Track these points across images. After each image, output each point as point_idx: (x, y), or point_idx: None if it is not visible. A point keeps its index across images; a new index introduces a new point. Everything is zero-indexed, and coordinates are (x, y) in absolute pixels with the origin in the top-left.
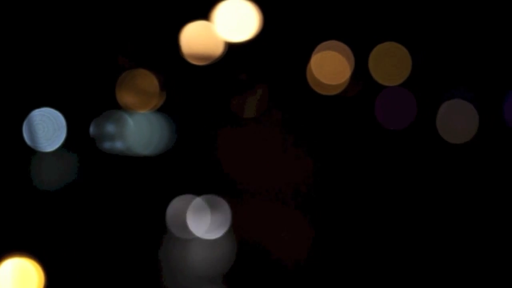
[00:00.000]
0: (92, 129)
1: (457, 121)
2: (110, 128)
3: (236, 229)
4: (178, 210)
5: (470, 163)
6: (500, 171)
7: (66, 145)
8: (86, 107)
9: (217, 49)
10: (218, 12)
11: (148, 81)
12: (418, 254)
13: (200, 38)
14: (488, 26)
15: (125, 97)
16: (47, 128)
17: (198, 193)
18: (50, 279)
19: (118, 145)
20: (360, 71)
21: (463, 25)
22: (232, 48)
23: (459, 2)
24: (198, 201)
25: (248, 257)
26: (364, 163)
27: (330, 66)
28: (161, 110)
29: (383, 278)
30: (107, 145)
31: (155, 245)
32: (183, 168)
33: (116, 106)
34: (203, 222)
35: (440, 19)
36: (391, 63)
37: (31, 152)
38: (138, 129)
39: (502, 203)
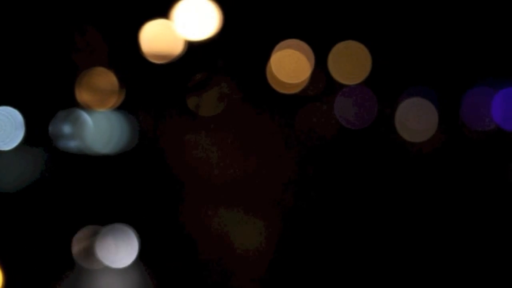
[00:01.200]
0: (51, 128)
1: (416, 119)
2: (69, 126)
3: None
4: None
5: (428, 161)
6: (458, 168)
7: (25, 143)
8: (45, 105)
9: (177, 48)
10: (178, 10)
11: (107, 79)
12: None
13: (159, 37)
14: (446, 26)
15: (84, 95)
16: (5, 127)
17: (147, 198)
18: (9, 279)
19: (77, 144)
20: (320, 70)
21: (422, 25)
22: (191, 47)
23: (418, 1)
24: (104, 231)
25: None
26: (323, 162)
27: (290, 65)
28: (120, 108)
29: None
30: (66, 144)
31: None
32: (139, 168)
33: (75, 104)
34: (111, 251)
35: (399, 18)
36: (351, 62)
37: None
38: (97, 128)
39: (460, 200)
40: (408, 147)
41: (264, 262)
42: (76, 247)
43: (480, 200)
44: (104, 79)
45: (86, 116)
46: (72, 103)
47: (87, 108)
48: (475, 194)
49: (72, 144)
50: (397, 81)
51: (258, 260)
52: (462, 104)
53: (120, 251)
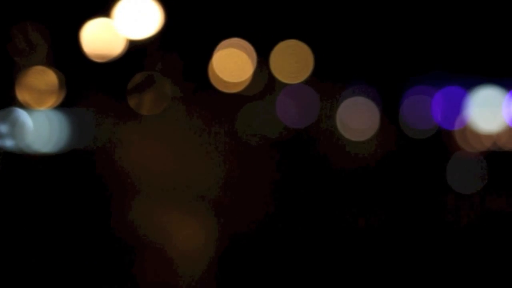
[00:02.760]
0: None
1: (358, 119)
2: (8, 125)
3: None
4: None
5: (370, 159)
6: (398, 167)
7: None
8: None
9: (118, 47)
10: (119, 9)
11: (46, 78)
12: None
13: (100, 36)
14: (387, 26)
15: (23, 94)
16: None
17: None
18: None
19: (17, 143)
20: (262, 69)
21: (363, 24)
22: (133, 46)
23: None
24: None
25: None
26: (266, 160)
27: (232, 64)
28: (60, 107)
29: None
30: (5, 143)
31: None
32: (80, 166)
33: (14, 103)
34: None
35: (340, 18)
36: (292, 61)
37: None
38: (37, 127)
39: (399, 198)
40: (349, 146)
41: (203, 263)
42: None
43: (418, 198)
44: (44, 78)
45: (25, 115)
46: (12, 102)
47: (26, 107)
48: (414, 192)
49: (12, 143)
50: (339, 80)
51: (196, 260)
52: (403, 103)
53: None
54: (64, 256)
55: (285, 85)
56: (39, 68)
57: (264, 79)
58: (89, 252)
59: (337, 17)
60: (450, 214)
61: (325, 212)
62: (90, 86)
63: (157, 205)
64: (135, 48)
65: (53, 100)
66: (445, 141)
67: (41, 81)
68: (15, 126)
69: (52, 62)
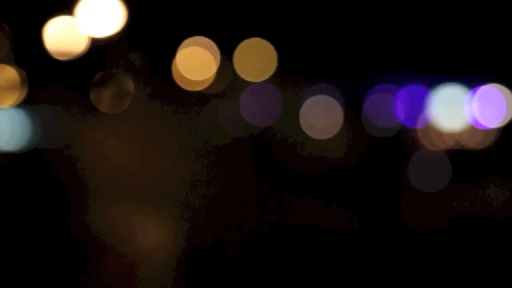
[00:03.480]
0: None
1: (321, 116)
2: None
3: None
4: None
5: (333, 157)
6: (361, 165)
7: None
8: None
9: (80, 45)
10: (81, 7)
11: (8, 76)
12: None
13: (63, 34)
14: (349, 23)
15: None
16: None
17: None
18: None
19: None
20: (226, 67)
21: (326, 22)
22: (96, 44)
23: None
24: None
25: None
26: (229, 159)
27: (195, 62)
28: (22, 105)
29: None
30: None
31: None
32: (42, 165)
33: None
34: None
35: (304, 16)
36: (256, 59)
37: None
38: None
39: (363, 196)
40: (312, 144)
41: (167, 263)
42: None
43: (380, 197)
44: (6, 76)
45: None
46: None
47: None
48: (376, 190)
49: None
50: (302, 78)
51: (160, 261)
52: (366, 102)
53: None
54: (22, 256)
55: (248, 83)
56: (1, 66)
57: (227, 77)
58: (49, 252)
59: (300, 16)
60: (412, 212)
61: (289, 210)
62: (53, 84)
63: (119, 205)
64: (97, 46)
65: (15, 98)
66: (408, 139)
67: (2, 79)
68: None
69: (14, 60)
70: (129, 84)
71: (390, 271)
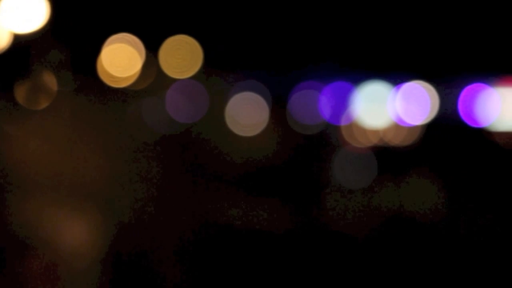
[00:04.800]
0: None
1: (247, 113)
2: None
3: None
4: None
5: (259, 154)
6: (288, 161)
7: None
8: None
9: (2, 40)
10: (3, 2)
11: None
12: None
13: None
14: (274, 20)
15: None
16: None
17: None
18: None
19: None
20: (151, 63)
21: (252, 19)
22: (19, 39)
23: None
24: None
25: None
26: (155, 156)
27: (120, 59)
28: None
29: None
30: None
31: None
32: None
33: None
34: None
35: (229, 13)
36: (182, 56)
37: None
38: None
39: (288, 193)
40: (238, 141)
41: (89, 261)
42: None
43: (305, 194)
44: None
45: None
46: None
47: None
48: (301, 187)
49: None
50: (228, 75)
51: (82, 259)
52: (291, 98)
53: None
54: None
55: (174, 80)
56: None
57: (153, 74)
58: None
59: (226, 13)
60: (336, 209)
61: (215, 208)
62: None
63: (43, 204)
64: (21, 42)
65: None
66: (333, 136)
67: None
68: None
69: None
70: (53, 80)
71: (317, 269)
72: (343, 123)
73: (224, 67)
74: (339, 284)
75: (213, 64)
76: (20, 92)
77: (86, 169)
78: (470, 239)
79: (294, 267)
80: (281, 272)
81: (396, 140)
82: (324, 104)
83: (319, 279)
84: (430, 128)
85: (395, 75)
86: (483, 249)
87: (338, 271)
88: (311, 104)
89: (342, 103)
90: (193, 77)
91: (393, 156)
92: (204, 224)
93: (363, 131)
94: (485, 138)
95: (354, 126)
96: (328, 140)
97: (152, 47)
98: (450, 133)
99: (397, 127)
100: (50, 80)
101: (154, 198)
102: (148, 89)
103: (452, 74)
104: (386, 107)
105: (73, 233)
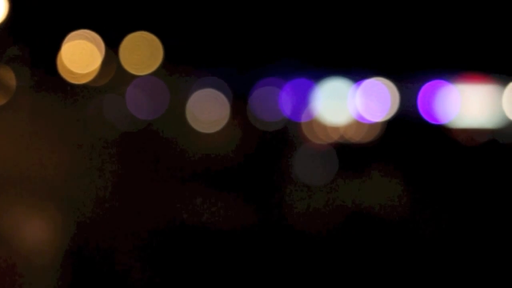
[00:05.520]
0: None
1: (208, 110)
2: None
3: None
4: None
5: (219, 151)
6: (248, 158)
7: None
8: None
9: None
10: None
11: None
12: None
13: None
14: (235, 17)
15: None
16: None
17: None
18: None
19: None
20: (112, 60)
21: (212, 16)
22: None
23: None
24: None
25: None
26: (116, 153)
27: (80, 55)
28: None
29: None
30: None
31: None
32: None
33: None
34: None
35: (190, 10)
36: (142, 53)
37: None
38: None
39: (250, 190)
40: (199, 138)
41: (51, 259)
42: None
43: (266, 191)
44: None
45: None
46: None
47: None
48: (262, 184)
49: None
50: (189, 72)
51: (43, 257)
52: (252, 95)
53: None
54: None
55: (135, 76)
56: None
57: (112, 71)
58: None
59: (186, 9)
60: (297, 205)
61: (176, 204)
62: None
63: (1, 200)
64: None
65: None
66: (294, 133)
67: None
68: None
69: None
70: (12, 77)
71: (279, 266)
72: (303, 119)
73: (185, 64)
74: (301, 280)
75: (174, 61)
76: None
77: (45, 165)
78: (429, 235)
79: (256, 264)
80: (242, 269)
81: (357, 137)
82: (284, 101)
83: (280, 276)
84: (390, 125)
85: (356, 72)
86: (442, 245)
87: (300, 267)
88: (272, 100)
89: (302, 100)
90: (154, 74)
91: (354, 153)
92: (164, 221)
93: (324, 127)
94: (445, 134)
95: (314, 123)
96: (288, 136)
97: (112, 44)
98: (410, 129)
99: (358, 123)
100: (9, 77)
101: (114, 195)
102: (108, 86)
103: (412, 71)
104: (347, 104)
105: (32, 230)
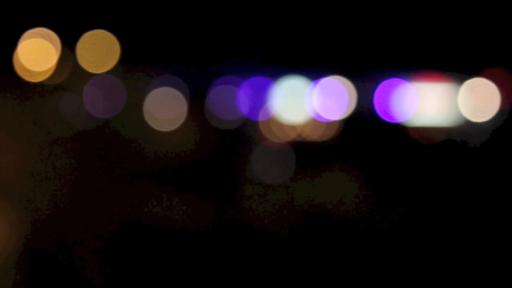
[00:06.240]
0: None
1: (165, 108)
2: None
3: None
4: None
5: (177, 149)
6: (206, 157)
7: None
8: None
9: None
10: None
11: None
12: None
13: None
14: (191, 15)
15: None
16: None
17: None
18: None
19: None
20: (68, 58)
21: (169, 14)
22: None
23: None
24: None
25: None
26: (74, 151)
27: (36, 53)
28: None
29: None
30: None
31: None
32: None
33: None
34: None
35: (146, 7)
36: (99, 51)
37: None
38: None
39: (207, 189)
40: (156, 136)
41: (9, 260)
42: None
43: (224, 189)
44: None
45: None
46: None
47: None
48: (220, 183)
49: None
50: (146, 70)
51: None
52: (209, 93)
53: None
54: None
55: (92, 74)
56: None
57: (69, 69)
58: None
59: (143, 7)
60: (254, 204)
61: (133, 203)
62: None
63: None
64: None
65: None
66: (251, 131)
67: None
68: None
69: None
70: None
71: (236, 265)
72: (261, 118)
73: (142, 62)
74: (257, 278)
75: (131, 59)
76: None
77: (1, 165)
78: (387, 233)
79: (213, 264)
80: (199, 269)
81: (314, 135)
82: (242, 99)
83: (238, 276)
84: (348, 123)
85: (313, 70)
86: (400, 243)
87: (257, 267)
88: (229, 99)
89: (260, 98)
90: (111, 72)
91: (311, 151)
92: (121, 220)
93: (281, 126)
94: (401, 133)
95: (272, 121)
96: (246, 135)
97: (69, 42)
98: (367, 128)
99: (315, 122)
100: None
101: (71, 194)
102: (65, 84)
103: (369, 69)
104: (304, 102)
105: None
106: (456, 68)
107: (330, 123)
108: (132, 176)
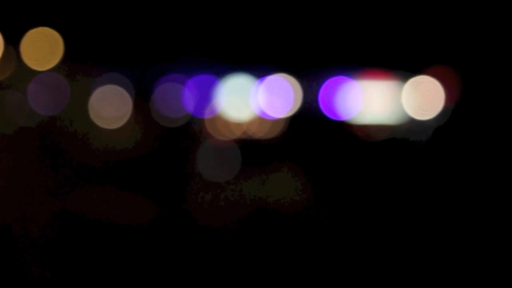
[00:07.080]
0: None
1: (110, 106)
2: None
3: None
4: None
5: (122, 147)
6: (151, 155)
7: None
8: None
9: None
10: None
11: None
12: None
13: None
14: (140, 12)
15: None
16: None
17: None
18: None
19: None
20: (12, 55)
21: (116, 12)
22: None
23: None
24: None
25: None
26: (18, 150)
27: None
28: None
29: None
30: None
31: None
32: None
33: None
34: None
35: (92, 5)
36: (43, 48)
37: None
38: None
39: (154, 187)
40: (101, 134)
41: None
42: None
43: (171, 187)
44: None
45: None
46: None
47: None
48: (167, 181)
49: None
50: (91, 68)
51: None
52: (155, 91)
53: None
54: None
55: (36, 72)
56: None
57: (12, 66)
58: None
59: (88, 5)
60: (200, 201)
61: (75, 200)
62: None
63: None
64: None
65: None
66: (197, 129)
67: None
68: None
69: None
70: None
71: (182, 262)
72: (207, 116)
73: (87, 60)
74: (204, 276)
75: (75, 57)
76: None
77: None
78: (331, 229)
79: (158, 261)
80: (145, 267)
81: (260, 133)
82: (187, 97)
83: (185, 273)
84: (293, 121)
85: (258, 68)
86: (343, 238)
87: (203, 263)
88: (175, 97)
89: (205, 96)
90: (55, 70)
91: (257, 149)
92: (65, 218)
93: (227, 124)
94: (346, 131)
95: (217, 119)
96: (192, 133)
97: (12, 39)
98: (313, 126)
99: (261, 120)
100: None
101: (13, 192)
102: (8, 81)
103: (314, 67)
104: (250, 100)
105: None
106: (400, 66)
107: (276, 121)
108: (76, 173)
